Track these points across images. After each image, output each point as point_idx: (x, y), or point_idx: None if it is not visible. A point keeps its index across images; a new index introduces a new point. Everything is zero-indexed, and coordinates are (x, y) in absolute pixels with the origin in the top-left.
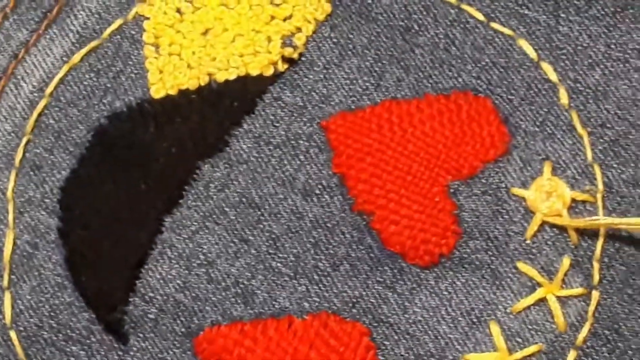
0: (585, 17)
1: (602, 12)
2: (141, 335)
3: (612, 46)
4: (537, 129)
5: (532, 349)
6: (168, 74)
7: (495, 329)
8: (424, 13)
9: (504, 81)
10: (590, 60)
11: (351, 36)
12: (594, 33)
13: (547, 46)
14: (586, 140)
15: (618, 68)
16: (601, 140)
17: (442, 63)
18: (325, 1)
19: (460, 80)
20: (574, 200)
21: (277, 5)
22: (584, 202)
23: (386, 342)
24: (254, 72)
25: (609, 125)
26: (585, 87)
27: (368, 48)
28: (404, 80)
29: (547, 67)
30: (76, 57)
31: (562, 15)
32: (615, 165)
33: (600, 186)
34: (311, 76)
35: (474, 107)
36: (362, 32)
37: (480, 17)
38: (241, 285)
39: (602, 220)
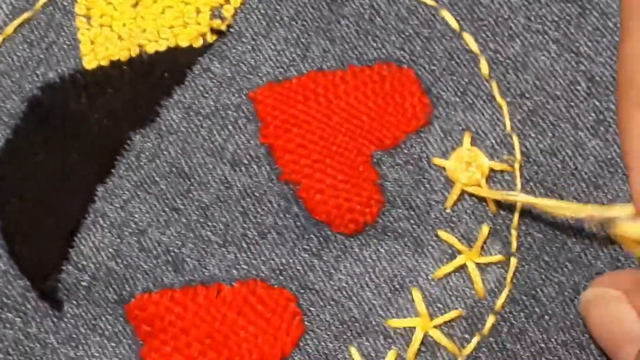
0: None
1: None
2: (75, 302)
3: (532, 18)
4: (458, 100)
5: (453, 314)
6: (100, 45)
7: (417, 294)
8: None
9: (426, 52)
10: (510, 32)
11: (278, 7)
12: (514, 5)
13: (468, 17)
14: (505, 110)
15: (537, 40)
16: (520, 110)
17: (366, 34)
18: None
19: (384, 51)
20: (492, 170)
21: None
22: (502, 171)
23: (312, 309)
24: (184, 44)
25: (527, 96)
26: (505, 57)
27: (295, 19)
28: (329, 52)
29: (468, 38)
30: (9, 29)
31: None
32: (533, 135)
33: (518, 156)
34: (239, 47)
35: (397, 78)
36: (289, 3)
37: None
38: (172, 253)
39: (518, 197)
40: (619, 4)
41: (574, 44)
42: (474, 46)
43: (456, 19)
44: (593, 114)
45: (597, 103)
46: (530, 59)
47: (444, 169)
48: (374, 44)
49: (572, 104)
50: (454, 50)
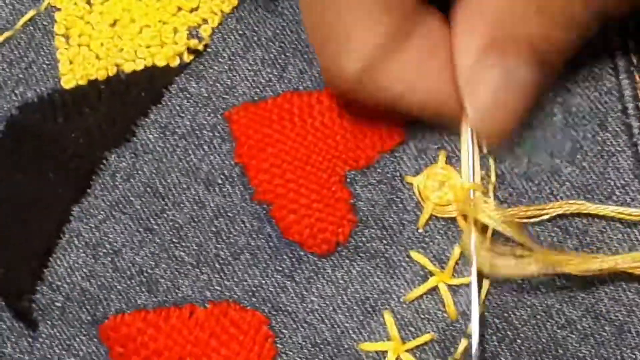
0: None
1: None
2: (49, 322)
3: None
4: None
5: (425, 338)
6: (78, 65)
7: (389, 318)
8: None
9: None
10: None
11: (256, 29)
12: None
13: None
14: None
15: None
16: None
17: None
18: None
19: None
20: (466, 190)
21: None
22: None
23: (284, 331)
24: (161, 63)
25: None
26: None
27: (273, 40)
28: (306, 73)
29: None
30: None
31: None
32: (509, 160)
33: (493, 178)
34: (216, 67)
35: None
36: (268, 25)
37: None
38: (145, 274)
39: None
40: None
41: None
42: None
43: None
44: (570, 143)
45: (574, 133)
46: None
47: (418, 187)
48: None
49: (549, 133)
50: None
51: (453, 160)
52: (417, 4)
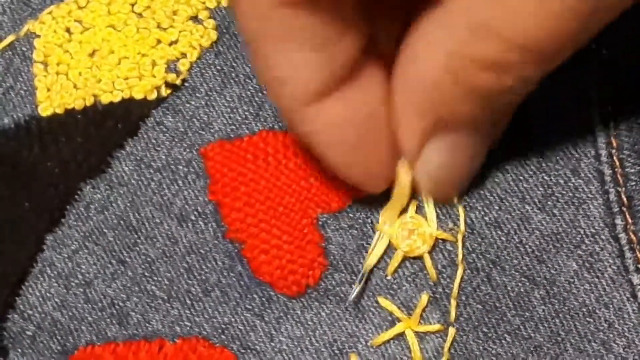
0: None
1: None
2: (19, 350)
3: None
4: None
5: None
6: (55, 93)
7: None
8: None
9: None
10: None
11: (235, 65)
12: None
13: None
14: None
15: None
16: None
17: None
18: (211, 28)
19: None
20: (435, 238)
21: (164, 29)
22: (445, 241)
23: None
24: (138, 96)
25: None
26: None
27: (250, 77)
28: None
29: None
30: None
31: None
32: (479, 207)
33: (462, 227)
34: (193, 102)
35: None
36: (246, 61)
37: None
38: (117, 307)
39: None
40: None
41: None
42: None
43: None
44: (541, 188)
45: (546, 177)
46: None
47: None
48: None
49: (521, 177)
50: None
51: (423, 210)
52: (358, 54)
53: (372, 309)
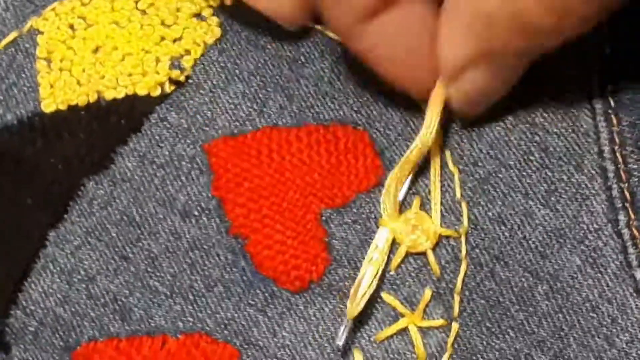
0: None
1: None
2: (22, 346)
3: None
4: None
5: None
6: (59, 89)
7: (359, 356)
8: (312, 47)
9: (383, 117)
10: None
11: (238, 62)
12: None
13: None
14: (457, 177)
15: (493, 110)
16: (471, 178)
17: (324, 95)
18: (215, 25)
19: (340, 112)
20: (439, 235)
21: (168, 26)
22: (448, 237)
23: None
24: (142, 92)
25: (480, 164)
26: (461, 127)
27: (254, 74)
28: (286, 109)
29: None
30: None
31: None
32: (482, 203)
33: (465, 223)
34: (197, 99)
35: (351, 139)
36: (250, 58)
37: None
38: (119, 302)
39: None
40: None
41: (530, 114)
42: None
43: None
44: (545, 184)
45: (550, 173)
46: (486, 129)
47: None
48: (331, 105)
49: (525, 173)
50: (411, 117)
51: (427, 206)
52: None
53: (375, 304)
